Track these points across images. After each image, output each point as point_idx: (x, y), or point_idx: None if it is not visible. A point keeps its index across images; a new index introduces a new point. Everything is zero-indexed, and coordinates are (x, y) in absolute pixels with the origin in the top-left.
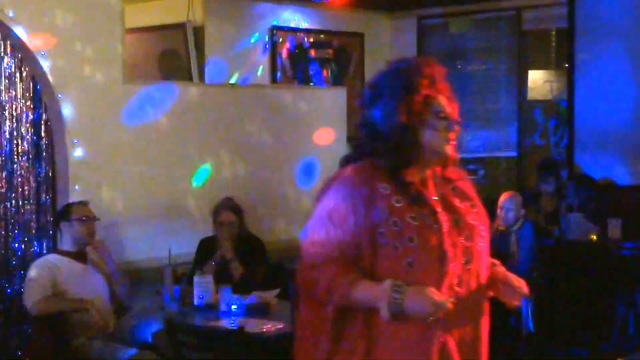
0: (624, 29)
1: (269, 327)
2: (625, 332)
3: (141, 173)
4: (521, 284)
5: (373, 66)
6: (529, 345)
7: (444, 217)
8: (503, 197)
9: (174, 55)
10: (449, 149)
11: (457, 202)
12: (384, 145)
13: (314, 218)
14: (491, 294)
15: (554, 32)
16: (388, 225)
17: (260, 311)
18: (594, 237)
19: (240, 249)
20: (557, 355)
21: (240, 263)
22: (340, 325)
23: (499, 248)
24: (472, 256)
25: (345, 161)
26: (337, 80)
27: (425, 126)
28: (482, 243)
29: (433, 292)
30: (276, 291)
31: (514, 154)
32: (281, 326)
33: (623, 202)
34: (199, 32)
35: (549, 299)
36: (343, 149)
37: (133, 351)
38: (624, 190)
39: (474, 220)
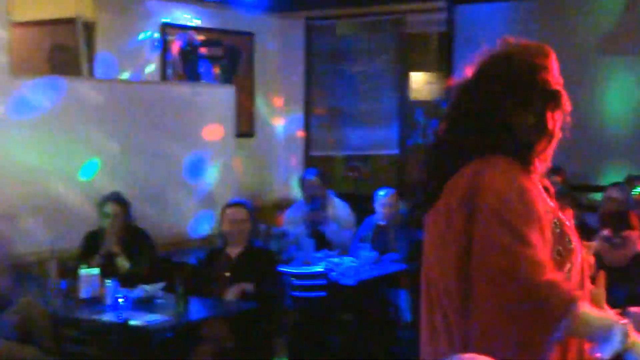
0: (500, 35)
1: (153, 320)
2: None
3: (28, 166)
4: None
5: (262, 65)
6: (407, 334)
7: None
8: (383, 194)
9: (64, 49)
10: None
11: None
12: (522, 146)
13: (505, 216)
14: None
15: (435, 36)
16: (552, 227)
17: (146, 304)
18: None
19: (127, 242)
20: None
21: (126, 256)
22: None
23: (379, 243)
24: None
25: (471, 151)
26: (226, 79)
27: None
28: None
29: None
30: (162, 284)
31: (395, 152)
32: (166, 319)
33: None
34: (89, 27)
35: None
36: (231, 145)
37: (14, 345)
38: None
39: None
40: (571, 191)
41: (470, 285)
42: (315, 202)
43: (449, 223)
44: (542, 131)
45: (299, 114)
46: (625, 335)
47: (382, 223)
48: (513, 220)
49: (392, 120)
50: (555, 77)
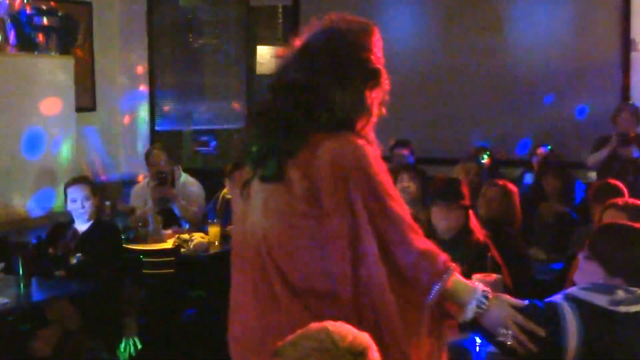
0: (344, 10)
1: None
2: None
3: None
4: None
5: (102, 37)
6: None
7: None
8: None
9: None
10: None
11: None
12: (342, 124)
13: (386, 184)
14: None
15: (280, 9)
16: None
17: None
18: None
19: None
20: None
21: None
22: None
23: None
24: None
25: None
26: (63, 50)
27: None
28: None
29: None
30: (1, 265)
31: (243, 125)
32: (6, 301)
33: None
34: None
35: None
36: (72, 119)
37: None
38: None
39: None
40: (418, 163)
41: (361, 249)
42: (162, 177)
43: (324, 196)
44: (361, 109)
45: (143, 87)
46: (485, 300)
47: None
48: (394, 193)
49: (239, 94)
50: (377, 55)
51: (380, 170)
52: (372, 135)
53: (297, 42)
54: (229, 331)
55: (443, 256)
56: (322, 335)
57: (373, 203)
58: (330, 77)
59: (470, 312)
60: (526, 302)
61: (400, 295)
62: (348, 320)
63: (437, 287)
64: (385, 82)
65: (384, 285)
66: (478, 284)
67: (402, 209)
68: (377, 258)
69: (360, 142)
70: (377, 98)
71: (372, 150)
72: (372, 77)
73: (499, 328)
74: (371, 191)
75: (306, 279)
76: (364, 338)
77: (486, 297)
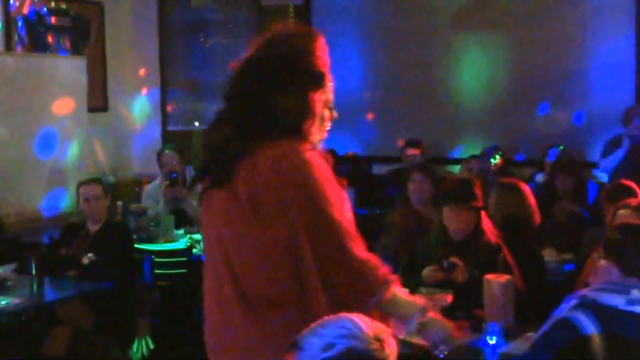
0: (356, 8)
1: (6, 303)
2: None
3: None
4: None
5: (114, 37)
6: None
7: None
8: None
9: None
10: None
11: None
12: (288, 128)
13: (327, 191)
14: None
15: (291, 8)
16: None
17: None
18: None
19: None
20: None
21: None
22: None
23: None
24: None
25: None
26: (76, 50)
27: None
28: None
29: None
30: (13, 265)
31: None
32: (18, 301)
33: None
34: None
35: None
36: (83, 119)
37: None
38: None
39: None
40: (428, 163)
41: (298, 257)
42: (173, 177)
43: (264, 204)
44: (305, 112)
45: (155, 87)
46: (425, 315)
47: None
48: (335, 199)
49: None
50: (321, 59)
51: (323, 177)
52: (320, 138)
53: (249, 53)
54: (204, 334)
55: (383, 268)
56: (346, 323)
57: (311, 211)
58: (275, 83)
59: (413, 325)
60: (535, 334)
61: (338, 304)
62: (293, 327)
63: (374, 298)
64: (330, 84)
65: (318, 293)
66: (418, 298)
67: (342, 216)
68: (311, 265)
69: (304, 148)
70: (321, 100)
71: (316, 156)
72: (315, 80)
73: (440, 344)
74: (309, 199)
75: (254, 285)
76: (382, 325)
77: (425, 312)
